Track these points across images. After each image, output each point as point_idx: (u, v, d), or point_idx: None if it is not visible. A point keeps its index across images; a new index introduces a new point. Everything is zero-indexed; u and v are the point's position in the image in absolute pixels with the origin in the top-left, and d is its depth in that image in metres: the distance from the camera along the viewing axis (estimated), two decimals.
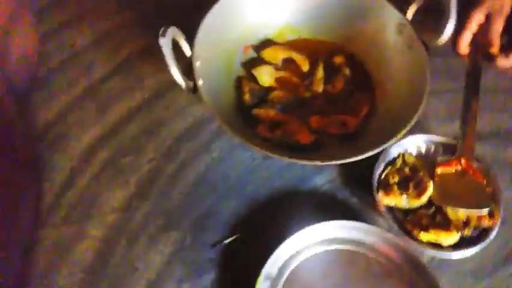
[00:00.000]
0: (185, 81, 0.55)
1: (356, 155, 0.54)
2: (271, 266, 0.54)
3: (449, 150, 0.62)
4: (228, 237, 0.59)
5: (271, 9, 0.70)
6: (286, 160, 0.55)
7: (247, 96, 0.64)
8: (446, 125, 0.68)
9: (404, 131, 0.55)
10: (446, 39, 0.61)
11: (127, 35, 0.77)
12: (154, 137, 0.67)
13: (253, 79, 0.67)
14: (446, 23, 0.59)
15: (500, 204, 0.58)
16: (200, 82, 0.56)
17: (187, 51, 0.59)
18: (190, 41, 0.58)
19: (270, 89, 0.67)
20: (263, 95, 0.66)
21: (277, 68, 0.69)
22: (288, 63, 0.70)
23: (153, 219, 0.60)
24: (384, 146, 0.54)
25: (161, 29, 0.53)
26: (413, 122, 0.55)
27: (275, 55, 0.69)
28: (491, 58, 0.73)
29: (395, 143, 0.61)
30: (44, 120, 0.67)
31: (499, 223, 0.56)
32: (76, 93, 0.70)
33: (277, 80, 0.68)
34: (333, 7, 0.69)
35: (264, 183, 0.63)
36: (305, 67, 0.69)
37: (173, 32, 0.55)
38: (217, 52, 0.64)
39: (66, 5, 0.79)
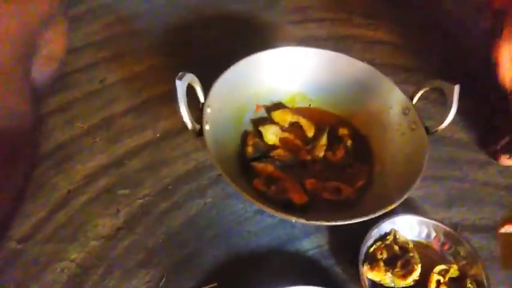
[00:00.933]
0: (192, 123, 0.58)
1: (345, 219, 0.54)
2: None
3: (444, 236, 0.62)
4: (204, 285, 0.57)
5: (286, 76, 0.75)
6: (276, 214, 0.55)
7: (250, 149, 0.67)
8: (443, 211, 0.68)
9: (394, 205, 0.55)
10: (446, 126, 0.63)
11: (153, 78, 0.83)
12: (154, 174, 0.69)
13: (259, 136, 0.70)
14: (448, 112, 0.62)
15: None
16: (207, 127, 0.59)
17: (201, 97, 0.63)
18: (207, 90, 0.63)
19: (273, 147, 0.69)
20: (265, 151, 0.68)
21: (283, 130, 0.72)
22: (295, 126, 0.73)
23: (134, 252, 0.60)
24: (375, 214, 0.54)
25: (180, 73, 0.58)
26: (404, 197, 0.56)
27: (284, 117, 0.72)
28: (495, 156, 0.74)
29: (386, 219, 0.61)
30: (57, 141, 0.71)
31: None
32: (93, 122, 0.74)
33: (282, 140, 0.70)
34: (344, 83, 0.74)
35: (251, 238, 0.63)
36: (310, 133, 0.72)
37: (190, 78, 0.59)
38: (229, 105, 0.67)
39: (106, 43, 0.87)
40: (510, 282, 0.61)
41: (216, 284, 0.58)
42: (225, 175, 0.55)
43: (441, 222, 0.63)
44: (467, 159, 0.76)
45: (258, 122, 0.72)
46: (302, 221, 0.54)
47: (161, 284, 0.57)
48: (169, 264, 0.59)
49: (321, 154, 0.68)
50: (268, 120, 0.73)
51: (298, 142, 0.71)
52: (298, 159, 0.68)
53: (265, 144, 0.69)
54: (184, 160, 0.71)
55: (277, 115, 0.73)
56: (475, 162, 0.76)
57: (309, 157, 0.68)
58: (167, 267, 0.59)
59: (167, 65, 0.86)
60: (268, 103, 0.75)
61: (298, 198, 0.62)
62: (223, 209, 0.66)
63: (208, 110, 0.61)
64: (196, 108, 0.61)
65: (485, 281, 0.57)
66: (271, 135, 0.70)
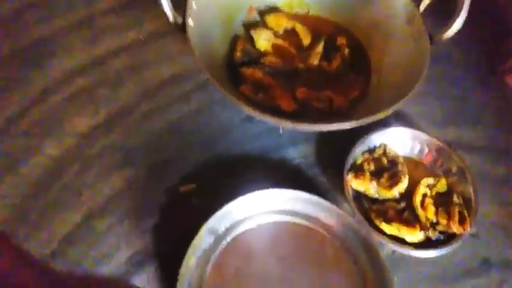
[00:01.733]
0: (173, 14, 0.53)
1: (331, 123, 0.51)
2: (218, 221, 0.51)
3: (436, 152, 0.59)
4: (182, 186, 0.56)
5: None
6: (262, 117, 0.51)
7: (238, 53, 0.62)
8: (439, 129, 0.64)
9: (385, 113, 0.51)
10: (452, 34, 0.57)
11: None
12: (136, 76, 0.65)
13: (251, 41, 0.65)
14: (456, 17, 0.56)
15: (473, 214, 0.54)
16: (190, 22, 0.54)
17: None
18: None
19: (264, 54, 0.64)
20: (255, 57, 0.63)
21: (277, 36, 0.66)
22: (290, 33, 0.67)
23: (113, 152, 0.58)
24: (366, 121, 0.51)
25: None
26: (398, 104, 0.52)
27: (279, 22, 0.67)
28: (503, 76, 0.70)
29: (376, 131, 0.58)
30: (35, 36, 0.66)
31: (468, 232, 0.51)
32: (73, 19, 0.69)
33: (274, 46, 0.65)
34: None
35: (236, 145, 0.60)
36: (306, 40, 0.67)
37: None
38: (218, 2, 0.62)
39: None
40: (497, 202, 0.59)
41: (194, 185, 0.56)
42: (211, 77, 0.51)
43: (435, 136, 0.60)
44: (469, 79, 0.71)
45: (250, 26, 0.66)
46: (288, 124, 0.50)
47: (138, 182, 0.56)
48: (147, 165, 0.57)
49: (316, 62, 0.64)
50: (261, 24, 0.67)
51: (292, 50, 0.66)
52: (291, 67, 0.64)
53: (256, 50, 0.64)
54: (168, 63, 0.66)
55: (271, 19, 0.67)
56: (477, 82, 0.71)
57: (302, 65, 0.64)
58: (146, 168, 0.57)
59: None
60: (262, 6, 0.68)
61: (286, 105, 0.58)
62: (208, 116, 0.62)
63: (193, 4, 0.56)
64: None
65: (472, 197, 0.55)
66: (263, 40, 0.65)
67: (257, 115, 0.51)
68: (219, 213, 0.51)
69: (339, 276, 0.51)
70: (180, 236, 0.50)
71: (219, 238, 0.52)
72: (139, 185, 0.56)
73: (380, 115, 0.52)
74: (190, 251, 0.49)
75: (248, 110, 0.51)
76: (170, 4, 0.53)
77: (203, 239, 0.51)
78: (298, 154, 0.60)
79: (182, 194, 0.55)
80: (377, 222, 0.53)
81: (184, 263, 0.48)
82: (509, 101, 0.69)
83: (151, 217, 0.53)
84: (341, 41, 0.66)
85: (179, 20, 0.54)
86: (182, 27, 0.54)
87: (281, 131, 0.62)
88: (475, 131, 0.65)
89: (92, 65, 0.65)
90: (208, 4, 0.59)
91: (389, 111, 0.53)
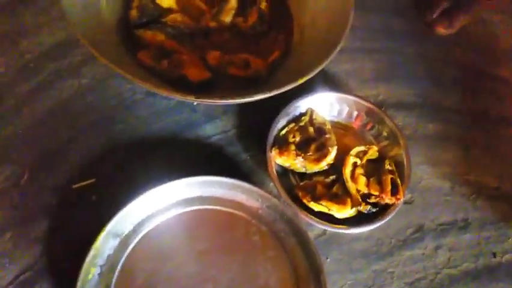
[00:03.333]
0: None
1: (249, 95, 0.43)
2: (123, 220, 0.43)
3: (366, 115, 0.54)
4: (77, 182, 0.47)
5: None
6: (160, 92, 0.42)
7: (134, 13, 0.51)
8: (369, 88, 0.59)
9: (307, 77, 0.45)
10: None
11: None
12: (11, 48, 0.52)
13: None
14: None
15: (406, 181, 0.50)
16: None
17: None
18: None
19: (166, 12, 0.54)
20: (156, 16, 0.53)
21: None
22: None
23: None
24: (286, 88, 0.44)
25: None
26: (321, 67, 0.45)
27: None
28: (432, 25, 0.65)
29: (301, 97, 0.51)
30: None
31: (401, 202, 0.47)
32: None
33: (179, 1, 0.55)
34: None
35: (140, 125, 0.51)
36: None
37: None
38: None
39: None
40: (430, 163, 0.55)
41: (93, 180, 0.47)
42: (89, 43, 0.41)
43: (365, 99, 0.54)
44: (401, 30, 0.65)
45: None
46: (192, 99, 0.42)
47: (22, 182, 0.46)
48: (31, 159, 0.47)
49: (229, 19, 0.54)
50: None
51: (200, 4, 0.55)
52: (200, 27, 0.54)
53: (156, 7, 0.54)
54: (50, 29, 0.54)
55: None
56: (410, 32, 0.65)
57: (213, 24, 0.54)
58: (30, 163, 0.47)
59: None
60: None
61: (195, 74, 0.49)
62: (103, 91, 0.52)
63: None
64: None
65: (405, 161, 0.51)
66: None
67: (155, 90, 0.42)
68: (122, 212, 0.43)
69: (267, 264, 0.46)
70: (78, 243, 0.42)
71: (125, 240, 0.44)
72: (22, 184, 0.46)
73: (303, 79, 0.45)
74: (88, 261, 0.41)
75: (143, 85, 0.42)
76: None
77: (105, 244, 0.43)
78: (216, 130, 0.53)
79: (77, 192, 0.46)
80: (305, 201, 0.47)
81: (82, 276, 0.40)
82: (441, 52, 0.64)
83: (41, 223, 0.44)
84: None
85: None
86: None
87: (195, 104, 0.53)
88: (408, 87, 0.60)
89: None
90: None
91: (314, 73, 0.46)
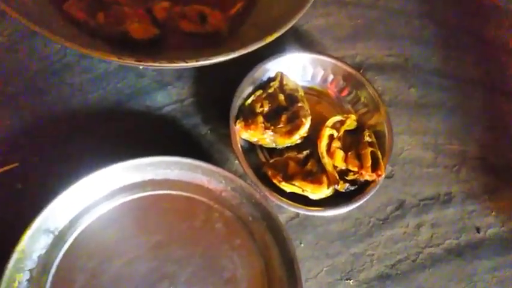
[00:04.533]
0: None
1: (206, 57, 0.35)
2: (56, 213, 0.35)
3: (343, 79, 0.47)
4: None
5: None
6: (91, 54, 0.33)
7: None
8: (346, 47, 0.52)
9: (276, 35, 0.37)
10: None
11: None
12: None
13: None
14: None
15: (387, 155, 0.44)
16: None
17: None
18: None
19: None
20: None
21: None
22: None
23: None
24: (249, 49, 0.36)
25: None
26: (291, 23, 0.38)
27: None
28: None
29: (270, 59, 0.44)
30: None
31: (382, 178, 0.42)
32: None
33: None
34: None
35: (74, 93, 0.42)
36: None
37: None
38: None
39: None
40: (411, 130, 0.50)
41: (16, 165, 0.38)
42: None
43: (342, 61, 0.47)
44: None
45: None
46: (131, 62, 0.33)
47: None
48: None
49: None
50: None
51: None
52: None
53: None
54: None
55: None
56: None
57: None
58: None
59: None
60: None
61: (140, 31, 0.40)
62: (26, 53, 0.42)
63: None
64: None
65: (386, 131, 0.45)
66: None
67: (84, 51, 0.33)
68: (54, 203, 0.35)
69: (233, 254, 0.40)
70: (3, 242, 0.33)
71: (59, 237, 0.36)
72: None
73: (272, 37, 0.38)
74: (11, 266, 0.33)
75: (68, 45, 0.33)
76: None
77: (34, 244, 0.35)
78: (169, 99, 0.44)
79: None
80: (276, 181, 0.41)
81: (4, 286, 0.33)
82: (422, 7, 0.58)
83: None
84: None
85: None
86: None
87: (141, 67, 0.44)
88: (387, 46, 0.53)
89: None
90: None
91: (284, 29, 0.38)
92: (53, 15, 0.39)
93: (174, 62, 0.35)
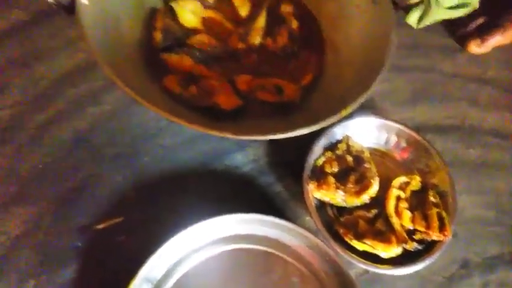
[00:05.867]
0: None
1: (286, 131, 0.39)
2: (155, 264, 0.40)
3: (406, 141, 0.50)
4: (104, 222, 0.43)
5: None
6: (193, 128, 0.39)
7: (158, 35, 0.48)
8: (405, 110, 0.56)
9: (350, 109, 0.41)
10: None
11: None
12: (25, 74, 0.49)
13: (173, 15, 0.51)
14: None
15: (452, 214, 0.47)
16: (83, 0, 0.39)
17: None
18: None
19: (192, 32, 0.50)
20: (181, 38, 0.49)
21: (206, 6, 0.52)
22: (222, 2, 0.53)
23: (3, 185, 0.43)
24: (323, 123, 0.41)
25: None
26: (364, 98, 0.42)
27: None
28: (464, 41, 0.61)
29: (338, 123, 0.48)
30: None
31: (449, 238, 0.44)
32: None
33: (205, 21, 0.51)
34: None
35: (167, 155, 0.48)
36: (244, 11, 0.53)
37: None
38: None
39: None
40: (472, 189, 0.52)
41: (121, 219, 0.44)
42: (114, 75, 0.37)
43: (404, 124, 0.51)
44: (434, 46, 0.62)
45: None
46: (229, 135, 0.39)
47: (42, 223, 0.42)
48: (52, 198, 0.44)
49: (258, 41, 0.51)
50: None
51: (227, 24, 0.52)
52: (228, 49, 0.51)
53: (181, 27, 0.50)
54: (68, 52, 0.51)
55: None
56: (443, 49, 0.62)
57: (241, 45, 0.51)
58: (50, 202, 0.43)
59: None
60: None
61: (227, 102, 0.46)
62: (127, 119, 0.49)
63: None
64: None
65: (449, 191, 0.48)
66: (189, 14, 0.51)
67: (183, 124, 0.38)
68: (155, 255, 0.40)
69: None
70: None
71: (157, 286, 0.41)
72: (43, 226, 0.42)
73: (347, 111, 0.42)
74: None
75: (169, 117, 0.38)
76: None
77: None
78: (247, 159, 0.49)
79: (104, 232, 0.43)
80: (347, 239, 0.44)
81: None
82: (476, 70, 0.61)
83: (66, 268, 0.41)
84: (287, 8, 0.54)
85: None
86: (70, 8, 0.39)
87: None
88: (444, 108, 0.57)
89: None
90: None
91: (358, 103, 0.42)
92: (153, 88, 0.45)
93: (266, 135, 0.40)
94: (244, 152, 0.50)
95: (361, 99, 0.42)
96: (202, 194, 0.46)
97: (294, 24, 0.53)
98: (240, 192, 0.48)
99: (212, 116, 0.45)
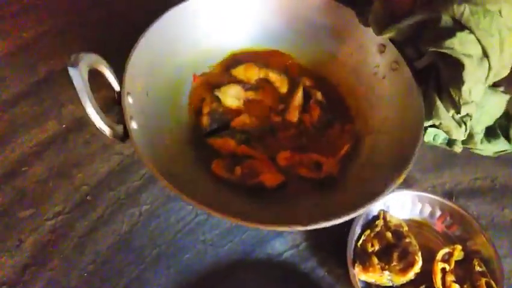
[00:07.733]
0: (110, 125, 0.40)
1: (330, 218, 0.40)
2: None
3: (440, 209, 0.51)
4: None
5: (227, 28, 0.57)
6: (232, 221, 0.40)
7: (205, 119, 0.51)
8: (433, 177, 0.57)
9: (397, 182, 0.42)
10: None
11: (48, 49, 0.62)
12: (65, 183, 0.51)
13: (219, 101, 0.54)
14: None
15: (500, 281, 0.46)
16: (133, 125, 0.41)
17: (114, 84, 0.44)
18: (120, 73, 0.43)
19: (235, 113, 0.53)
20: (225, 120, 0.52)
21: (248, 88, 0.55)
22: (262, 84, 0.57)
23: None
24: (368, 205, 0.41)
25: (72, 56, 0.39)
26: (408, 169, 0.42)
27: (249, 73, 0.56)
28: None
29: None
30: None
31: None
32: None
33: (247, 103, 0.55)
34: (300, 25, 0.58)
35: (207, 249, 0.48)
36: (283, 88, 0.56)
37: (91, 60, 0.41)
38: (157, 83, 0.49)
39: None
40: None
41: None
42: (170, 185, 0.38)
43: (434, 192, 0.52)
44: None
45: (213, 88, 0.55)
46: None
47: None
48: None
49: (295, 118, 0.54)
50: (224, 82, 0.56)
51: (267, 102, 0.55)
52: (267, 126, 0.53)
53: (225, 109, 0.53)
54: (103, 156, 0.53)
55: (240, 71, 0.56)
56: None
57: (278, 119, 0.54)
58: None
59: (64, 30, 0.64)
60: (206, 69, 0.57)
61: (271, 179, 0.48)
62: (165, 217, 0.50)
63: (129, 100, 0.42)
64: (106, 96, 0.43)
65: (493, 257, 0.47)
66: (232, 98, 0.54)
67: (233, 221, 0.39)
68: None
69: None
70: None
71: None
72: None
73: (384, 194, 0.42)
74: None
75: (211, 212, 0.38)
76: (103, 114, 0.39)
77: None
78: (286, 245, 0.50)
79: None
80: None
81: None
82: None
83: None
84: (306, 83, 0.57)
85: (119, 128, 0.41)
86: (124, 135, 0.41)
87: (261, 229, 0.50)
88: (472, 170, 0.57)
89: (6, 178, 0.50)
90: (147, 90, 0.47)
91: (398, 182, 0.42)
92: (204, 175, 0.47)
93: (292, 227, 0.39)
94: (283, 238, 0.50)
95: (406, 170, 0.42)
96: (247, 285, 0.46)
97: (319, 95, 0.55)
98: (284, 280, 0.47)
99: (256, 193, 0.47)
